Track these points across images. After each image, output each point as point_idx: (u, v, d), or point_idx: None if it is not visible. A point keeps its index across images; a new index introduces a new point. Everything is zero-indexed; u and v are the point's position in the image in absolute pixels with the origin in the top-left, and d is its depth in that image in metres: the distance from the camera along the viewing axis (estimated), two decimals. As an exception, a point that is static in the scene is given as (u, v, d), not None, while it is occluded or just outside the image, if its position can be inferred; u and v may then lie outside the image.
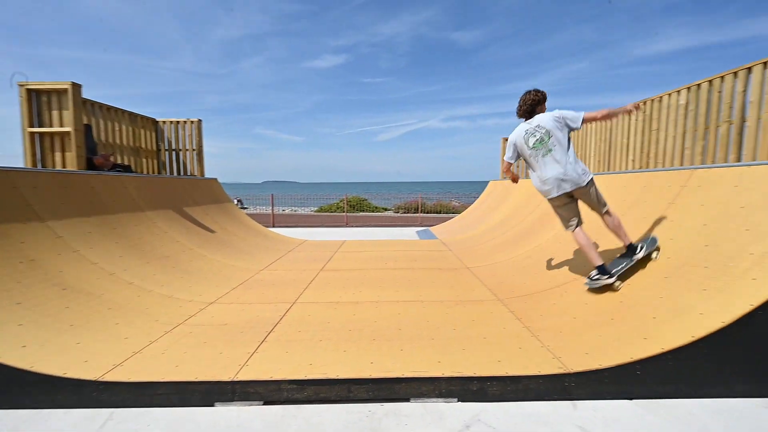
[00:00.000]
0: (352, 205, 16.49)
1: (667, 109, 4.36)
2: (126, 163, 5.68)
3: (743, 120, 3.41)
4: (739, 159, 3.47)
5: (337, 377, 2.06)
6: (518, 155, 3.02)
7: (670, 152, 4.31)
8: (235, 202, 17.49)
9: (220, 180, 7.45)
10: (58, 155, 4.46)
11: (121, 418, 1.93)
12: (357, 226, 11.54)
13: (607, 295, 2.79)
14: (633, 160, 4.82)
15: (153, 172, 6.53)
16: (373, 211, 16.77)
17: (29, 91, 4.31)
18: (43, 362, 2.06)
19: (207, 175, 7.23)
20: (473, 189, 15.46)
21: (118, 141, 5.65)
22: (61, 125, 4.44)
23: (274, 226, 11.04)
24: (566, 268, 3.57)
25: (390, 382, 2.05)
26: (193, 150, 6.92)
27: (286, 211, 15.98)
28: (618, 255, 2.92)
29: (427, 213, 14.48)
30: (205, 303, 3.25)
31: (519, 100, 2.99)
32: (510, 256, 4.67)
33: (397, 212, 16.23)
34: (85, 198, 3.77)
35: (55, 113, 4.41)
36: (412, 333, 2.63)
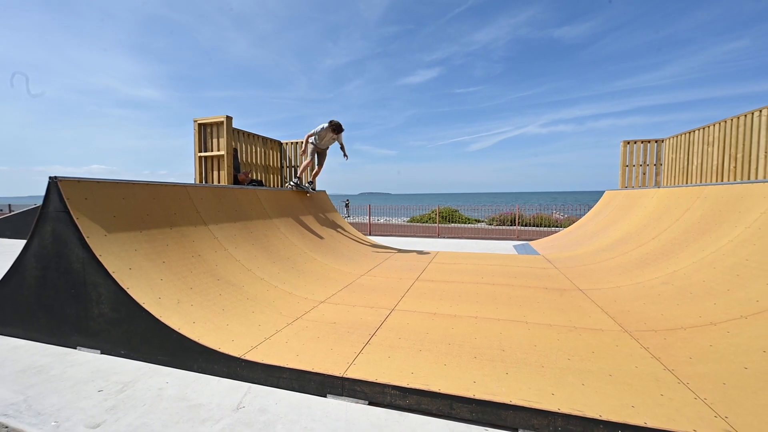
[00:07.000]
0: (444, 216, 16.32)
1: None
2: (259, 178, 6.86)
3: None
4: None
5: (439, 391, 2.04)
6: None
7: None
8: (344, 202, 19.18)
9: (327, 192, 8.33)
10: (215, 173, 5.68)
11: (256, 393, 2.24)
12: (449, 238, 11.34)
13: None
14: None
15: (277, 186, 7.70)
16: (464, 223, 16.29)
17: (200, 125, 5.62)
18: (205, 337, 2.57)
19: (317, 188, 8.15)
20: (579, 200, 13.67)
21: (254, 161, 6.88)
22: (218, 150, 5.65)
23: (370, 234, 11.70)
24: (725, 301, 2.86)
25: (495, 407, 1.94)
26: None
27: (381, 220, 16.75)
28: None
29: (525, 226, 13.37)
30: (317, 301, 3.65)
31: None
32: (637, 280, 3.99)
33: (491, 224, 15.41)
34: (231, 207, 4.69)
35: (215, 141, 5.65)
36: (517, 356, 2.46)
